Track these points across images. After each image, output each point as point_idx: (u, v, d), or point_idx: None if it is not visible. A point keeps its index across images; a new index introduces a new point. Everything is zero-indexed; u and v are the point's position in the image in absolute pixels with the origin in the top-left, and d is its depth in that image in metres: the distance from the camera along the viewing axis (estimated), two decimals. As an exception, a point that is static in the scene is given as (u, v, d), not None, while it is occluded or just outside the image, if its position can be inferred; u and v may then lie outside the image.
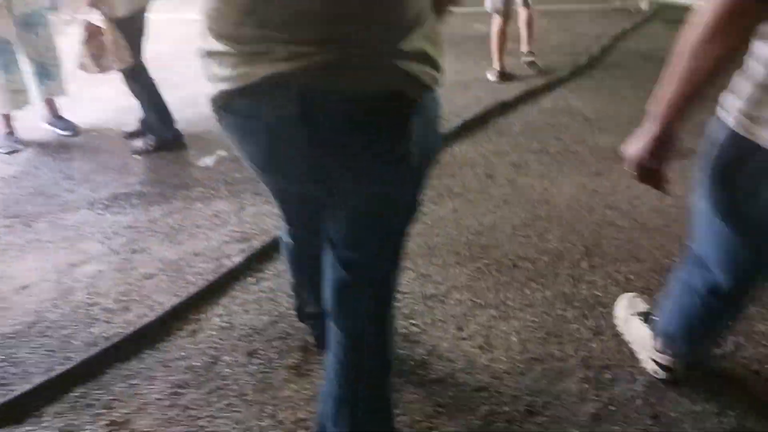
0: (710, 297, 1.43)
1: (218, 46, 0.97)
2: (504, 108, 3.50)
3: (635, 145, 1.18)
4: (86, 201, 2.63)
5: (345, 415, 1.29)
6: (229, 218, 2.46)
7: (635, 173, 1.21)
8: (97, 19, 2.59)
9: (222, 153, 3.00)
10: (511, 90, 3.76)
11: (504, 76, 4.04)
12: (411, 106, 1.00)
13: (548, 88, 3.82)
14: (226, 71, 0.97)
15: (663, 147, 1.13)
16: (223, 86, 0.99)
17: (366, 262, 1.23)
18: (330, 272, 1.26)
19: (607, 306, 1.91)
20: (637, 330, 1.76)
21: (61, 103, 3.38)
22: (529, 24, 4.07)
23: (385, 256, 1.24)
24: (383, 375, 1.34)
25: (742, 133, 1.13)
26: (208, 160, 2.96)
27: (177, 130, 3.10)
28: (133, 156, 3.03)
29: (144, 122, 3.11)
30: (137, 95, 2.97)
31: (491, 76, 4.06)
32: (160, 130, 3.05)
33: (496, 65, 4.05)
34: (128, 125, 3.26)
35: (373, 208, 1.15)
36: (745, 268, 1.35)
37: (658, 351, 1.65)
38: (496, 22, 3.91)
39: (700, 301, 1.46)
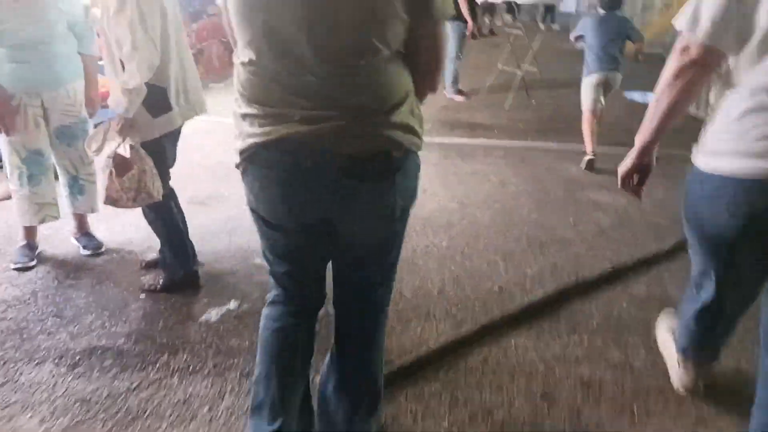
0: (700, 310, 1.82)
1: (249, 109, 1.29)
2: (583, 287, 2.84)
3: (623, 166, 1.77)
4: (57, 352, 2.24)
5: None
6: (200, 410, 1.96)
7: (621, 185, 1.79)
8: (128, 149, 2.30)
9: (232, 306, 2.56)
10: (596, 261, 3.11)
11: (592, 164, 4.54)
12: (395, 164, 1.33)
13: (644, 264, 3.11)
14: (254, 129, 1.27)
15: (641, 169, 1.74)
16: (251, 141, 1.29)
17: (361, 284, 1.57)
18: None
19: None
20: (668, 347, 2.12)
21: (93, 217, 3.15)
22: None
23: (376, 280, 1.57)
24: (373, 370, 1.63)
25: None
26: (213, 313, 2.52)
27: (193, 268, 2.72)
28: (140, 293, 2.67)
29: (161, 254, 2.77)
30: (152, 225, 2.64)
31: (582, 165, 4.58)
32: (172, 268, 2.68)
33: (588, 149, 4.58)
34: (153, 250, 2.94)
35: (365, 241, 1.46)
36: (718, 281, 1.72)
37: (678, 365, 2.00)
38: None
39: (693, 314, 1.85)
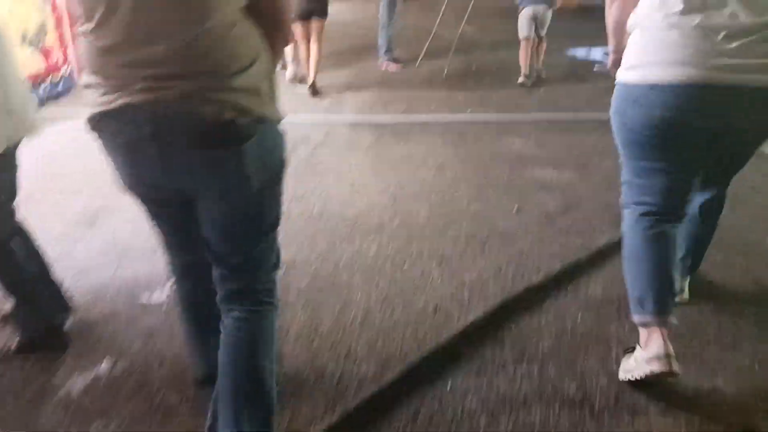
0: (646, 226, 1.90)
1: (92, 79, 1.26)
2: (530, 296, 2.44)
3: (610, 61, 2.10)
4: None
5: None
6: None
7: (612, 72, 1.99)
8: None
9: (104, 367, 2.06)
10: (543, 259, 2.71)
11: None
12: (243, 131, 1.25)
13: (598, 257, 2.73)
14: (98, 98, 1.25)
15: (616, 60, 1.96)
16: (95, 110, 1.26)
17: (231, 263, 1.46)
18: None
19: None
20: (627, 361, 1.95)
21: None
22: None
23: (246, 257, 1.46)
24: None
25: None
26: (77, 382, 2.01)
27: (54, 323, 2.20)
28: (-7, 356, 2.14)
29: (15, 307, 2.23)
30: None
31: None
32: (28, 323, 2.16)
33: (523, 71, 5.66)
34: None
35: (225, 217, 1.39)
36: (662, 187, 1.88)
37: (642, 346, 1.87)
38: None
39: (640, 237, 1.91)
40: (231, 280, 1.47)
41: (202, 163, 1.28)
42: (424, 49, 6.61)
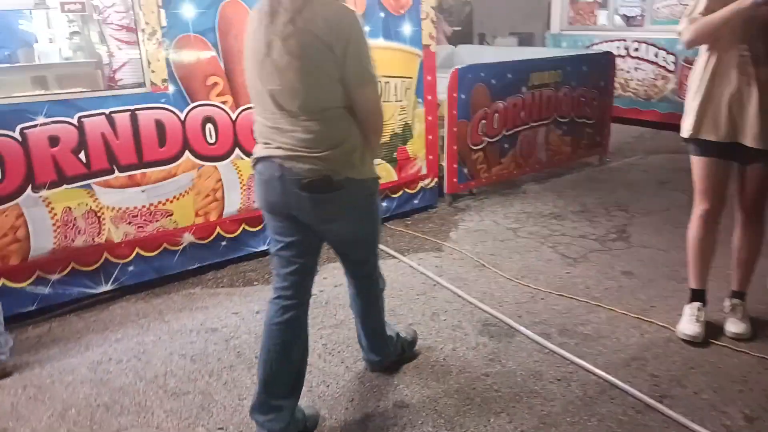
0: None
1: (257, 138, 1.98)
2: None
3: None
4: None
5: None
6: None
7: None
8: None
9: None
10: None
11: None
12: (332, 186, 1.88)
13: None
14: (256, 149, 1.97)
15: None
16: (253, 156, 1.98)
17: (346, 258, 2.23)
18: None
19: None
20: None
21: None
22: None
23: (356, 255, 2.22)
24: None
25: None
26: None
27: None
28: None
29: None
30: None
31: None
32: None
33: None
34: None
35: (334, 234, 2.07)
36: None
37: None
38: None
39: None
40: (345, 267, 2.27)
41: (308, 202, 1.90)
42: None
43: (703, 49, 2.46)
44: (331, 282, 3.28)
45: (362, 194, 1.99)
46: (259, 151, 1.93)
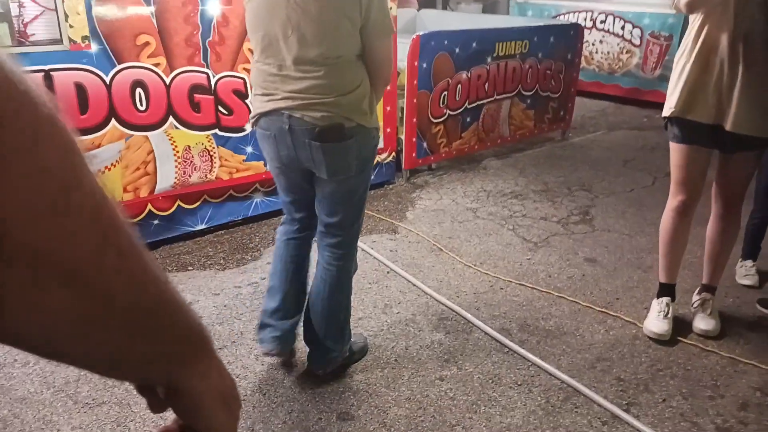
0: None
1: (256, 91, 1.94)
2: None
3: None
4: None
5: None
6: None
7: None
8: None
9: None
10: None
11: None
12: (345, 133, 1.86)
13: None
14: (257, 104, 1.93)
15: None
16: (255, 112, 1.94)
17: (330, 222, 2.06)
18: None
19: None
20: None
21: None
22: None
23: (346, 217, 2.06)
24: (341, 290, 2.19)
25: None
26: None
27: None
28: None
29: None
30: None
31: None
32: None
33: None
34: None
35: (334, 190, 1.99)
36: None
37: None
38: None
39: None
40: (328, 235, 2.09)
41: (320, 151, 1.87)
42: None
43: (694, 25, 2.22)
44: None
45: (370, 144, 1.98)
46: (260, 106, 1.91)
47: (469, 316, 2.61)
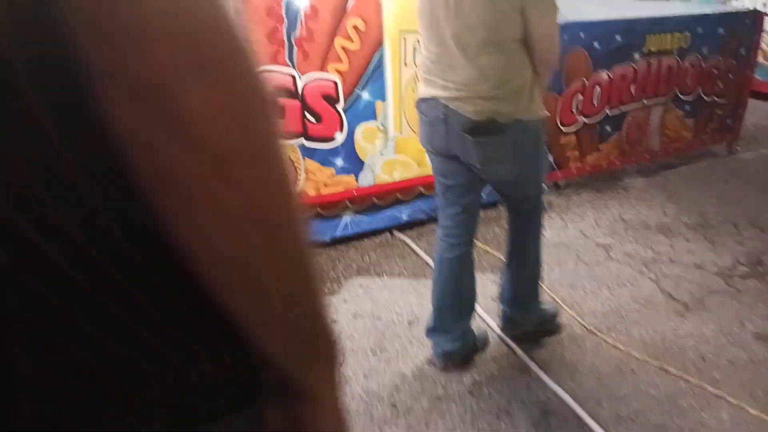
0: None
1: (420, 74, 1.96)
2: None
3: None
4: None
5: None
6: None
7: None
8: None
9: None
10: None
11: None
12: (499, 128, 1.80)
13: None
14: (420, 89, 1.95)
15: None
16: (418, 96, 1.96)
17: (510, 205, 2.18)
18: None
19: None
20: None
21: None
22: None
23: (520, 201, 2.12)
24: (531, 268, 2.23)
25: None
26: None
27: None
28: None
29: None
30: None
31: None
32: None
33: None
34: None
35: (495, 182, 2.05)
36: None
37: None
38: None
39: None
40: (508, 204, 2.21)
41: (472, 145, 1.85)
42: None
43: None
44: (349, 309, 2.53)
45: (529, 137, 1.89)
46: (422, 91, 1.94)
47: (582, 414, 1.96)
